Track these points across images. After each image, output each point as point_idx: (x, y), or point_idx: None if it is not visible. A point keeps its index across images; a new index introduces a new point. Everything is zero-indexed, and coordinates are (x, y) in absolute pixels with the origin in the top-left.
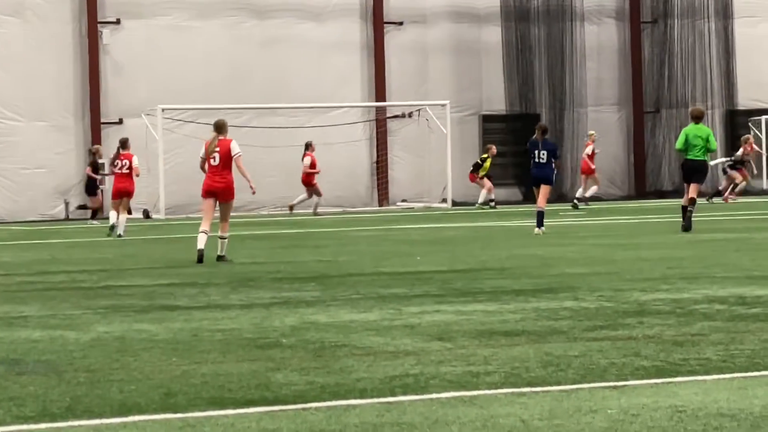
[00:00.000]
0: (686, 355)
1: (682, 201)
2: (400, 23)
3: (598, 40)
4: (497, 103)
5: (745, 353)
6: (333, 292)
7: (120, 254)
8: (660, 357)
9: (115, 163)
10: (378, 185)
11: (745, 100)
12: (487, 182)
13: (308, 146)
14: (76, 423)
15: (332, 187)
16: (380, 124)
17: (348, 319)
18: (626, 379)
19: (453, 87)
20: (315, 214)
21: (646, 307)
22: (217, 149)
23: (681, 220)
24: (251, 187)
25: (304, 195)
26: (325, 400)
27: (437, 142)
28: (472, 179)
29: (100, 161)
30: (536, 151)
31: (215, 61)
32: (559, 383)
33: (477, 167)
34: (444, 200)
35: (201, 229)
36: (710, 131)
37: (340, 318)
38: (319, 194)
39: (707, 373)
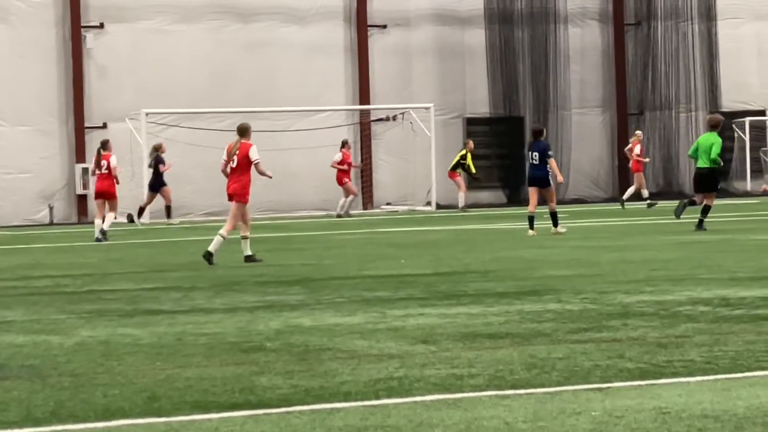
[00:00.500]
0: (670, 357)
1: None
2: (384, 26)
3: (582, 42)
4: (481, 106)
5: (729, 355)
6: (317, 296)
7: (104, 259)
8: (644, 359)
9: (100, 165)
10: (362, 188)
11: (728, 102)
12: (462, 183)
13: (344, 144)
14: (60, 428)
15: (316, 191)
16: (364, 127)
17: (332, 322)
18: (610, 381)
19: (437, 90)
20: (338, 216)
21: (630, 309)
22: (237, 153)
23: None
24: (268, 175)
25: (348, 198)
26: (309, 404)
27: (421, 145)
28: (453, 176)
29: (162, 155)
30: (530, 153)
31: (199, 65)
32: (543, 385)
33: (457, 165)
34: (428, 203)
35: (220, 231)
36: (717, 140)
37: (324, 321)
38: (351, 194)
39: (691, 374)
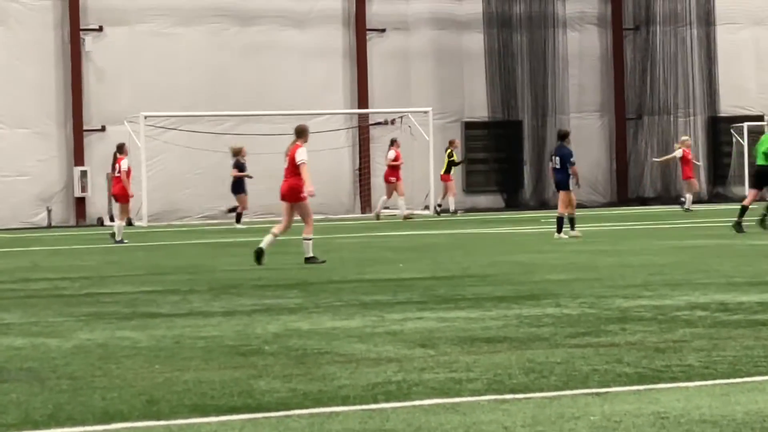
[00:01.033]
0: (668, 362)
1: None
2: (383, 30)
3: (580, 46)
4: (479, 110)
5: (727, 360)
6: (315, 299)
7: (102, 261)
8: (642, 363)
9: (114, 167)
10: (360, 192)
11: (727, 107)
12: (452, 186)
13: (393, 142)
14: (58, 430)
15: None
16: (363, 131)
17: (330, 326)
18: (609, 386)
19: (435, 94)
20: (378, 216)
21: (629, 313)
22: (288, 153)
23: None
24: (309, 191)
25: (400, 200)
26: (307, 407)
27: (420, 148)
28: (446, 179)
29: (243, 160)
30: (553, 157)
31: (198, 68)
32: (541, 390)
33: (449, 166)
34: (426, 207)
35: (272, 229)
36: None
37: (322, 325)
38: (394, 194)
39: (689, 379)
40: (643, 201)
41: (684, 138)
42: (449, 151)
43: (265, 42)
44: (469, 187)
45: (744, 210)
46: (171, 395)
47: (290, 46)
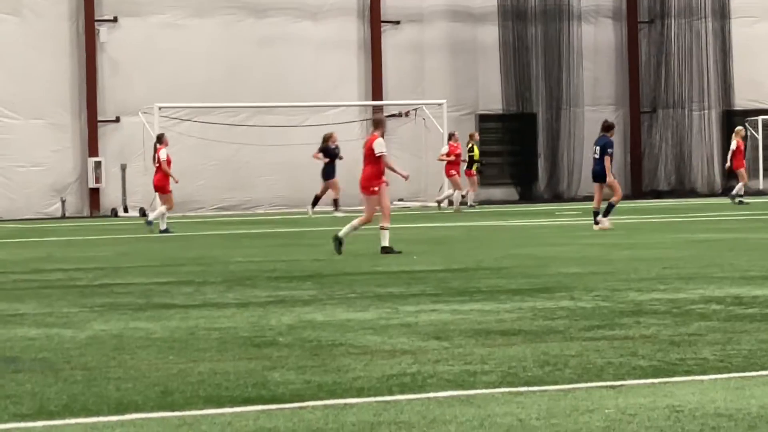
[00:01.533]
0: (683, 355)
1: None
2: (397, 22)
3: (595, 39)
4: (494, 103)
5: (742, 353)
6: (329, 291)
7: (116, 252)
8: (657, 357)
9: (154, 158)
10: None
11: (741, 101)
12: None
13: (451, 136)
14: (72, 421)
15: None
16: None
17: (344, 317)
18: (623, 379)
19: (450, 86)
20: (457, 210)
21: (643, 306)
22: (365, 144)
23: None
24: (403, 176)
25: (450, 190)
26: (322, 399)
27: (434, 141)
28: (469, 174)
29: (333, 146)
30: (595, 147)
31: (212, 60)
32: (556, 383)
33: (471, 162)
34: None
35: (353, 221)
36: None
37: (336, 317)
38: (456, 188)
39: (704, 373)
40: (658, 194)
41: (738, 128)
42: (470, 145)
43: (280, 34)
44: (484, 180)
45: None
46: (185, 386)
47: (305, 38)
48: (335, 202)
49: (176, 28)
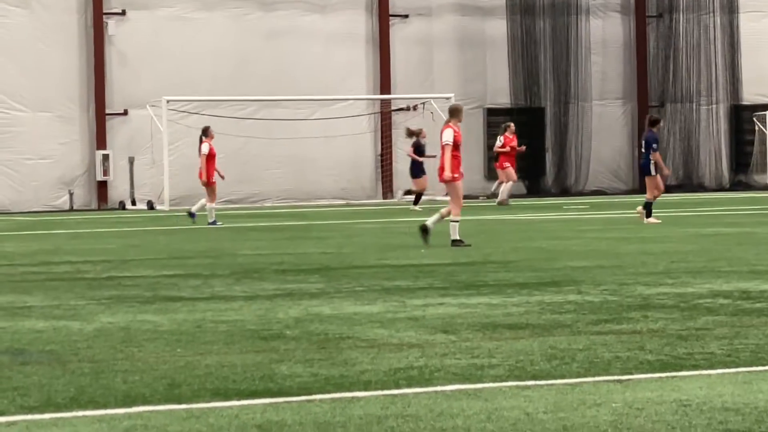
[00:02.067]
0: (690, 350)
1: None
2: (406, 16)
3: (603, 34)
4: (502, 97)
5: (750, 348)
6: (337, 284)
7: (124, 245)
8: (664, 351)
9: (200, 151)
10: (382, 178)
11: (749, 95)
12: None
13: (506, 128)
14: (80, 413)
15: (336, 180)
16: (385, 116)
17: (352, 311)
18: (631, 373)
19: (458, 80)
20: (501, 203)
21: (650, 301)
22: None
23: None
24: (446, 176)
25: (507, 184)
26: (329, 392)
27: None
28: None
29: (423, 141)
30: (641, 142)
31: (220, 53)
32: (563, 377)
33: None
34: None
35: (441, 210)
36: None
37: (344, 310)
38: (510, 179)
39: (712, 367)
40: (666, 188)
41: None
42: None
43: (288, 27)
44: (491, 173)
45: None
46: (192, 379)
47: (313, 32)
48: (417, 198)
49: (184, 21)
